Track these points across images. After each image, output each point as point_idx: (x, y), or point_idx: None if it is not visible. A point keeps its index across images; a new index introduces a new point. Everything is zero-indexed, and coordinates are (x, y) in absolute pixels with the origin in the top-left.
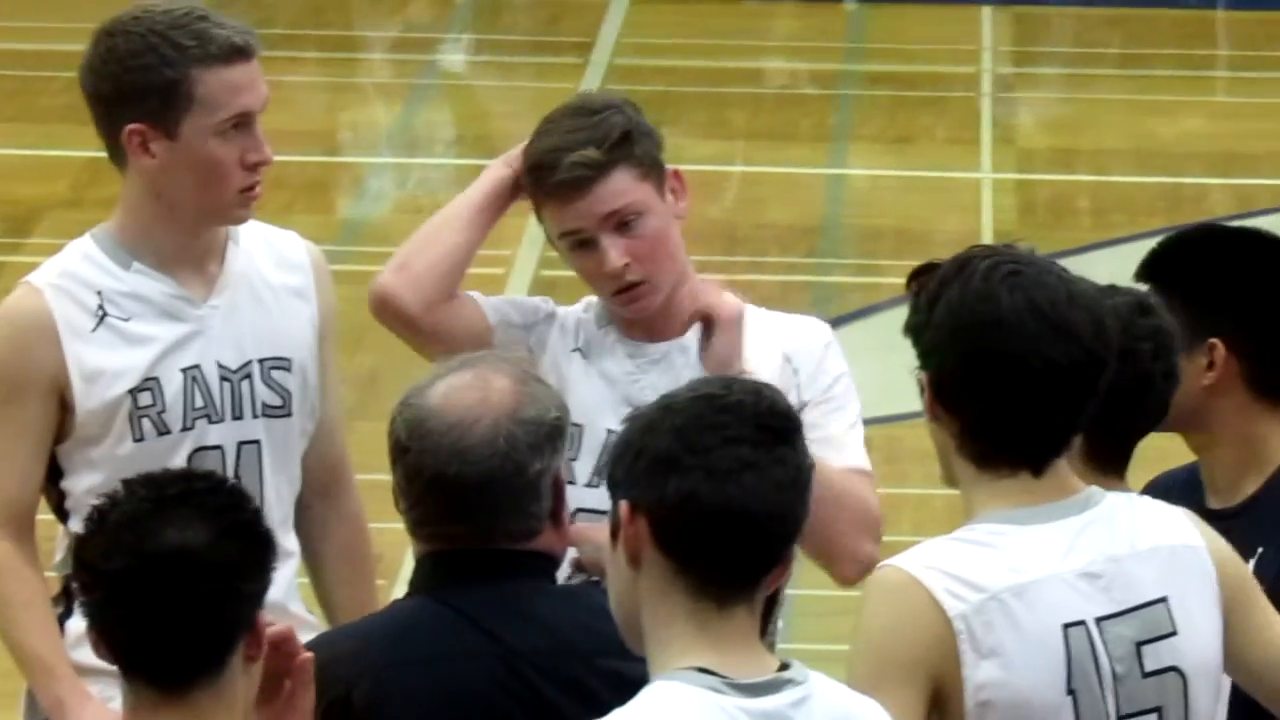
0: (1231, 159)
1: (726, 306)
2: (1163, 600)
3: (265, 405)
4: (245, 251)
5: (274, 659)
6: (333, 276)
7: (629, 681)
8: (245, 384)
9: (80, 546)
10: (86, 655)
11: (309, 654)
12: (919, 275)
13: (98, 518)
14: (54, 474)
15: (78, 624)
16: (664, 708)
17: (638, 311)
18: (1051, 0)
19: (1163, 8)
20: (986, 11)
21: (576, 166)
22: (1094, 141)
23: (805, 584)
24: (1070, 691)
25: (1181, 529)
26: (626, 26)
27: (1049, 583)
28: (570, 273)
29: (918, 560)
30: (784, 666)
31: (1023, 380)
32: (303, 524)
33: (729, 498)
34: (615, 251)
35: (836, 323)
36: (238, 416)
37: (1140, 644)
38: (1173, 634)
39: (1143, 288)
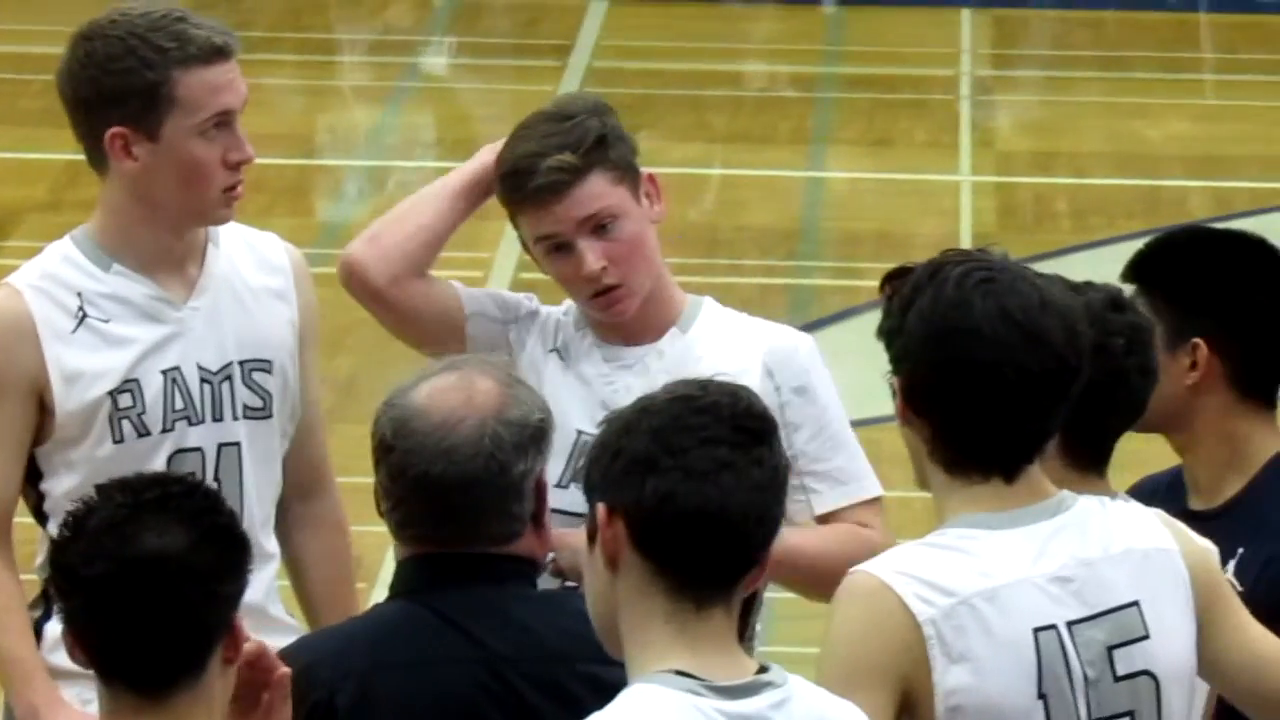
0: (1211, 161)
1: None
2: (1135, 604)
3: (246, 407)
4: (225, 253)
5: (251, 672)
6: (312, 279)
7: (609, 686)
8: (225, 386)
9: (58, 552)
10: (64, 659)
11: (286, 669)
12: (893, 279)
13: (74, 523)
14: (33, 476)
15: (56, 627)
16: (642, 711)
17: (615, 315)
18: (1031, 3)
19: (1142, 10)
20: (966, 14)
21: (553, 171)
22: (1073, 144)
23: (783, 587)
24: (1041, 696)
25: (1154, 532)
26: (605, 29)
27: (1019, 587)
28: (548, 277)
29: (888, 565)
30: (763, 669)
31: (995, 388)
32: (283, 526)
33: (707, 498)
34: (592, 255)
35: (816, 325)
36: (218, 418)
37: (1112, 648)
38: (1145, 638)
39: (1119, 285)
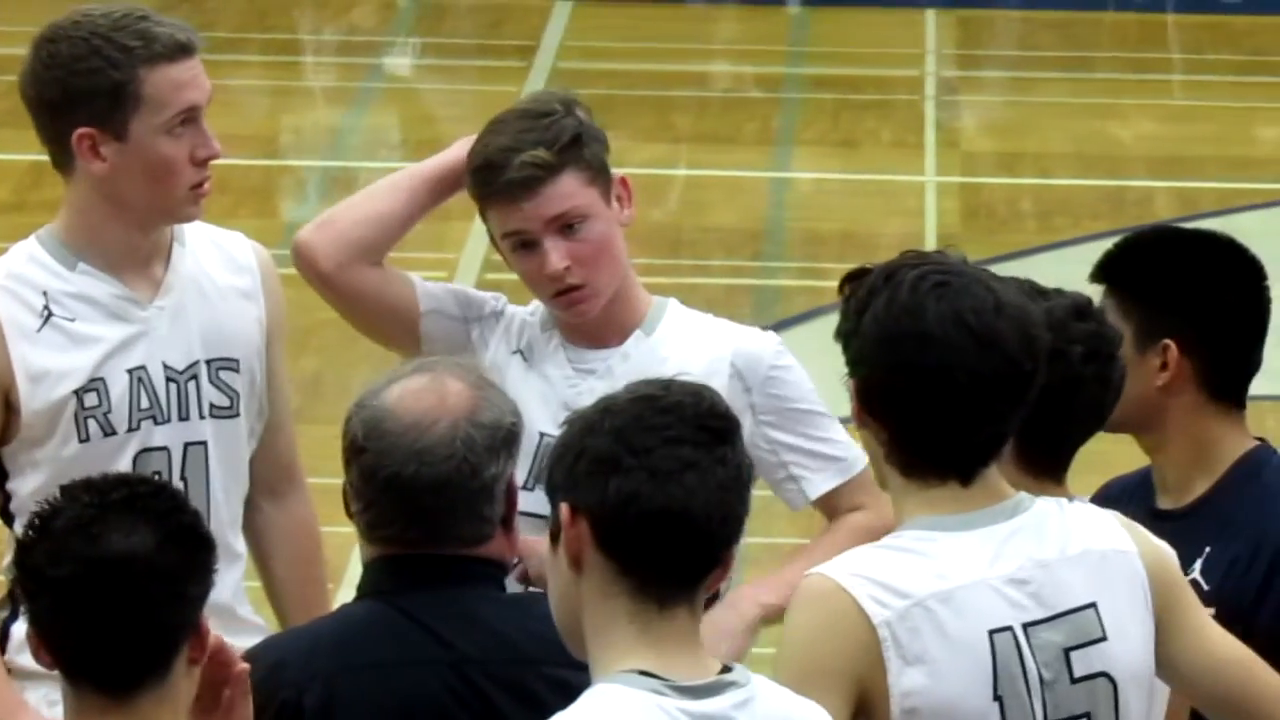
0: (1175, 162)
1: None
2: (1092, 605)
3: (213, 406)
4: (192, 253)
5: (211, 668)
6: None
7: (576, 690)
8: (192, 385)
9: (23, 553)
10: (31, 660)
11: (245, 665)
12: (851, 280)
13: (40, 524)
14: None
15: (23, 628)
16: (606, 710)
17: (576, 315)
18: (995, 3)
19: (1106, 11)
20: (930, 15)
21: (525, 167)
22: (1038, 145)
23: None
24: (997, 697)
25: (1112, 534)
26: (570, 30)
27: (975, 589)
28: (514, 277)
29: (843, 568)
30: (726, 669)
31: (946, 393)
32: (252, 525)
33: (671, 498)
34: (557, 254)
35: (780, 326)
36: (184, 417)
37: (1069, 649)
38: (1102, 639)
39: (1089, 291)
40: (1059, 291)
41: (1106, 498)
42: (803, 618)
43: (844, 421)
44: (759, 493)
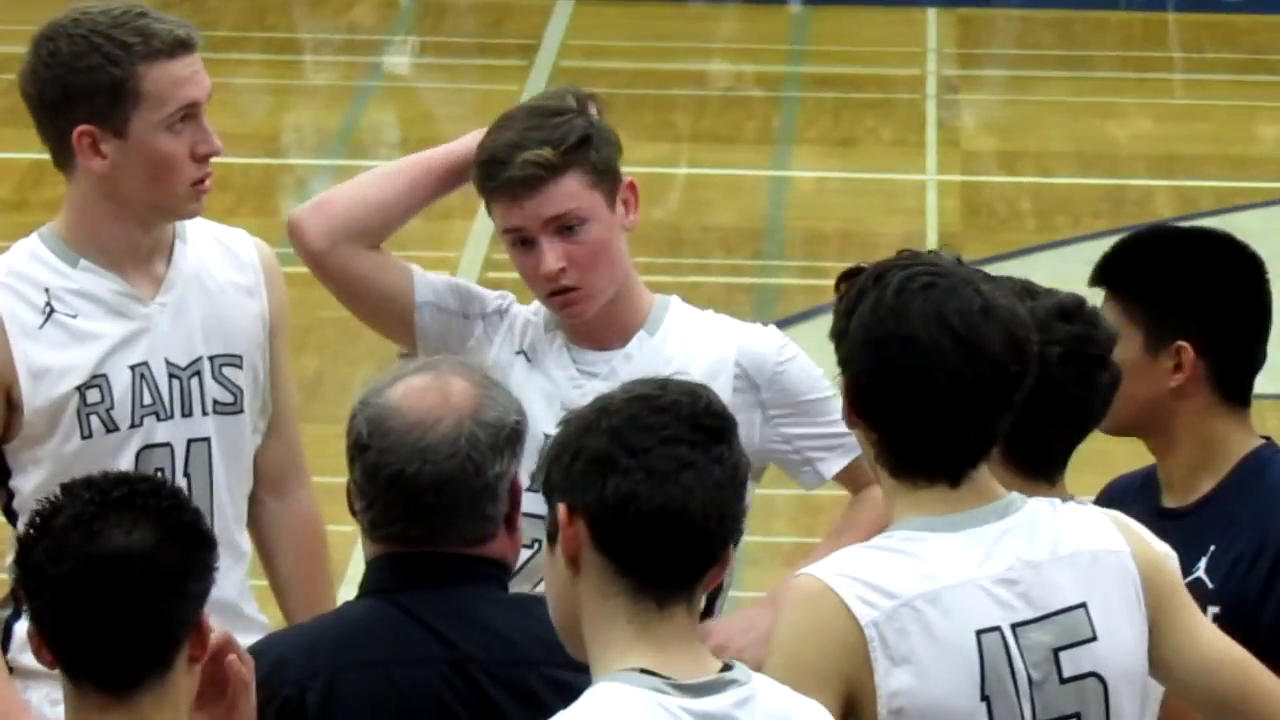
0: (1175, 161)
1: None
2: (1082, 605)
3: (216, 402)
4: (194, 250)
5: (213, 665)
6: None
7: (576, 691)
8: (195, 381)
9: (24, 550)
10: (33, 659)
11: (249, 659)
12: (845, 279)
13: (41, 521)
14: (2, 474)
15: (25, 627)
16: (608, 709)
17: (570, 316)
18: (996, 2)
19: (1107, 10)
20: (932, 14)
21: (529, 165)
22: (1038, 144)
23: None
24: (984, 698)
25: (1104, 534)
26: (571, 29)
27: (963, 589)
28: (516, 276)
29: (831, 568)
30: (726, 667)
31: (929, 395)
32: (257, 522)
33: (669, 497)
34: (553, 255)
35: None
36: (187, 414)
37: (1058, 650)
38: (1092, 639)
39: (1090, 293)
40: (1051, 292)
41: (1110, 497)
42: (791, 618)
43: None
44: (759, 491)
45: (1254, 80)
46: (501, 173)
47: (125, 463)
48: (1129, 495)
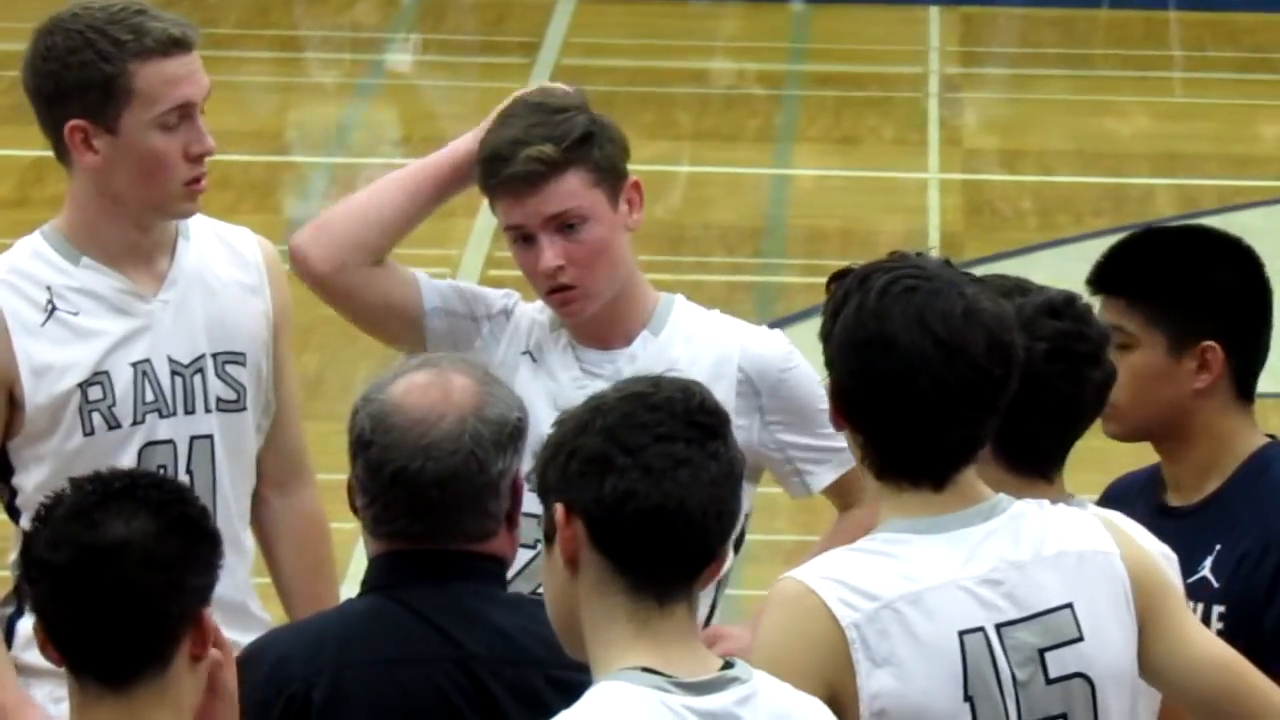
0: (1176, 159)
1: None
2: (1068, 606)
3: (219, 400)
4: (196, 247)
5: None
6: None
7: (580, 691)
8: (197, 378)
9: (27, 542)
10: (37, 656)
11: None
12: (835, 280)
13: (44, 513)
14: (5, 472)
15: (28, 624)
16: (611, 708)
17: (568, 314)
18: (998, 1)
19: (1109, 9)
20: (934, 11)
21: (530, 161)
22: (1040, 142)
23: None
24: (968, 698)
25: (1091, 534)
26: (573, 27)
27: (945, 590)
28: (517, 274)
29: (814, 571)
30: (727, 665)
31: (910, 400)
32: (260, 519)
33: (666, 495)
34: (551, 252)
35: (781, 323)
36: (189, 411)
37: (1044, 650)
38: (1078, 640)
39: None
40: (1042, 289)
41: (1113, 496)
42: (774, 620)
43: None
44: (761, 490)
45: (1256, 79)
46: (504, 169)
47: (128, 460)
48: (1132, 494)
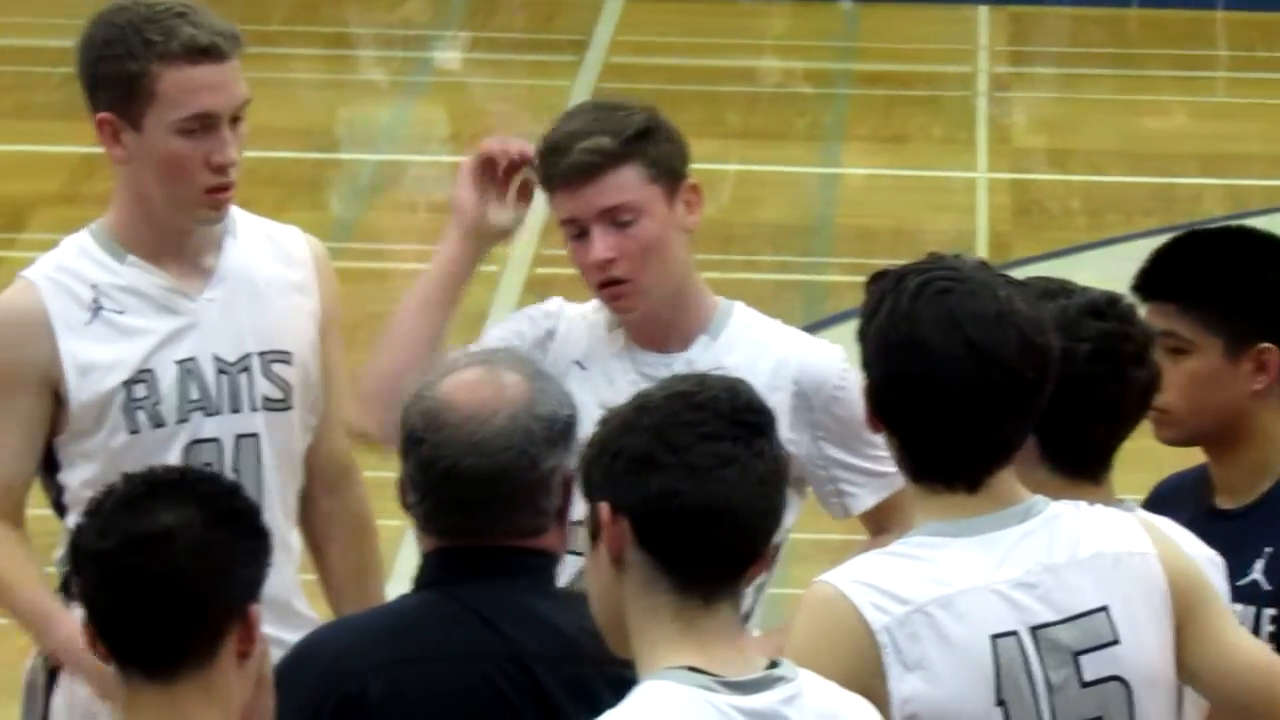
0: (1225, 159)
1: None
2: (1104, 609)
3: (265, 398)
4: (243, 245)
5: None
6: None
7: (630, 688)
8: (244, 377)
9: (78, 534)
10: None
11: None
12: (875, 280)
13: (95, 505)
14: (51, 468)
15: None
16: (658, 707)
17: (618, 310)
18: (1047, 0)
19: (1158, 8)
20: (983, 11)
21: (586, 153)
22: (1089, 141)
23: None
24: (1000, 702)
25: (1129, 536)
26: (621, 25)
27: (977, 593)
28: (566, 271)
29: (846, 575)
30: (773, 664)
31: (941, 402)
32: (308, 518)
33: (711, 494)
34: (603, 244)
35: (829, 322)
36: (235, 409)
37: (1079, 653)
38: (1114, 643)
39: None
40: (1086, 290)
41: (1160, 497)
42: (805, 623)
43: None
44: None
45: None
46: (561, 160)
47: (173, 458)
48: (1180, 495)
